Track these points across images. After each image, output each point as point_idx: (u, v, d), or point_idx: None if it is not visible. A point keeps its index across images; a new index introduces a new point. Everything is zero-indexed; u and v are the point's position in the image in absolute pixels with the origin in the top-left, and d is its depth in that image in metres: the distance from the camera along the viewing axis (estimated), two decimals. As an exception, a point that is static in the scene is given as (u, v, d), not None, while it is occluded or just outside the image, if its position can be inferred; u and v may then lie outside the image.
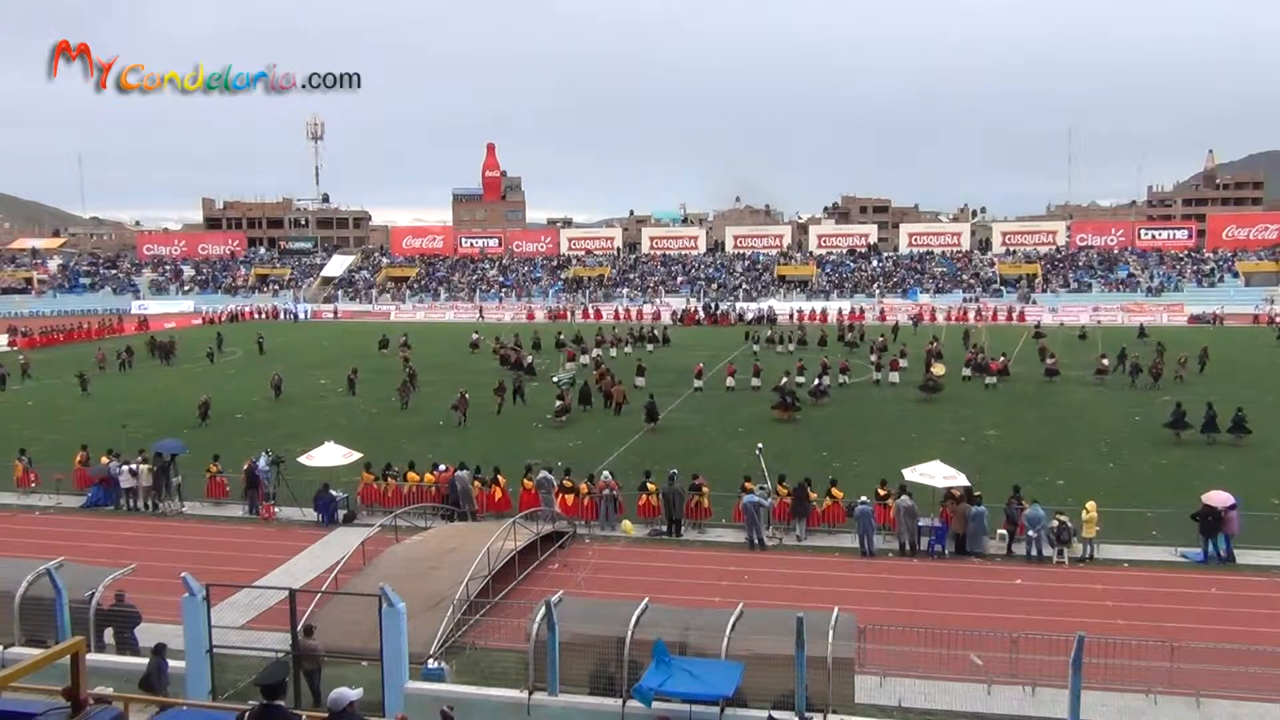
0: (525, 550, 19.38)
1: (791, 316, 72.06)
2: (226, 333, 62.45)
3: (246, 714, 7.85)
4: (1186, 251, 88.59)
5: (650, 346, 55.03)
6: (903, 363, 43.78)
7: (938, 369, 41.14)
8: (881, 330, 59.11)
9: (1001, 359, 43.68)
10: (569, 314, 78.61)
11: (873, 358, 45.37)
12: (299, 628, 13.88)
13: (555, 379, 39.36)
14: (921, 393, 38.59)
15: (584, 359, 49.45)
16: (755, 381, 41.01)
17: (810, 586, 18.52)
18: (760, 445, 25.87)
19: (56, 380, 45.12)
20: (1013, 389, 40.53)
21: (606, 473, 24.00)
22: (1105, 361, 42.56)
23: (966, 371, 42.83)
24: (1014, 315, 72.53)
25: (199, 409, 34.78)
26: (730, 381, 41.33)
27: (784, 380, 38.25)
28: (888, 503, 21.78)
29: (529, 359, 46.79)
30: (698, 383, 41.07)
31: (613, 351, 52.47)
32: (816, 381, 38.85)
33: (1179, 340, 50.90)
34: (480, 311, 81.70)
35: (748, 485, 22.43)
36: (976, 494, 21.32)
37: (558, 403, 35.18)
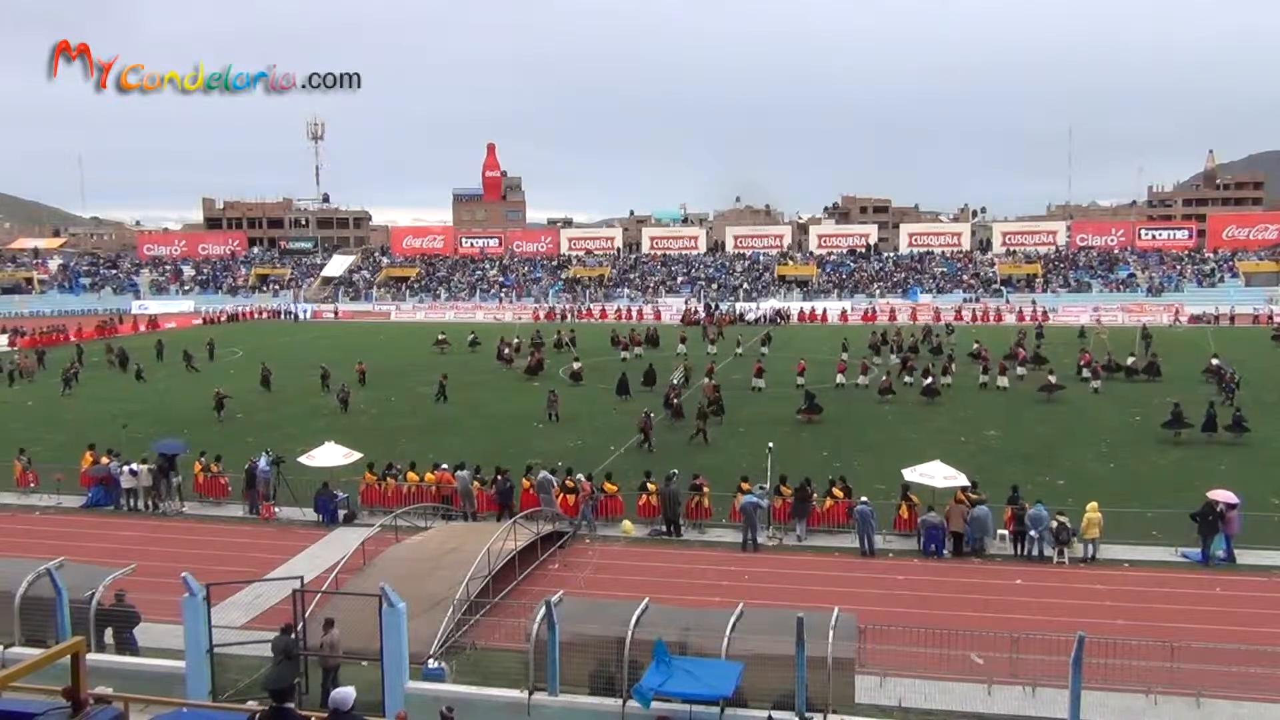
0: (525, 550, 19.40)
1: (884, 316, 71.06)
2: (223, 334, 61.87)
3: (256, 716, 7.85)
4: (1187, 252, 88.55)
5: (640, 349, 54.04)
6: (1020, 370, 43.20)
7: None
8: (978, 333, 58.35)
9: (1152, 357, 43.13)
10: (567, 314, 78.52)
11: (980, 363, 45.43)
12: (321, 622, 14.04)
13: (672, 379, 39.58)
14: (1041, 393, 38.21)
15: (626, 355, 50.02)
16: (759, 383, 40.81)
17: (810, 586, 18.54)
18: (771, 445, 25.75)
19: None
20: (1015, 390, 40.50)
21: (580, 475, 23.76)
22: (1216, 361, 41.20)
23: (1086, 373, 41.82)
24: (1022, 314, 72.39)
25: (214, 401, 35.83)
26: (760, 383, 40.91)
27: (885, 379, 39.94)
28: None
29: (578, 366, 45.11)
30: (800, 380, 40.80)
31: (624, 354, 51.69)
32: (928, 381, 38.97)
33: (1180, 341, 50.78)
34: (567, 313, 77.29)
35: (744, 486, 22.43)
36: (981, 496, 21.30)
37: (675, 400, 34.80)
